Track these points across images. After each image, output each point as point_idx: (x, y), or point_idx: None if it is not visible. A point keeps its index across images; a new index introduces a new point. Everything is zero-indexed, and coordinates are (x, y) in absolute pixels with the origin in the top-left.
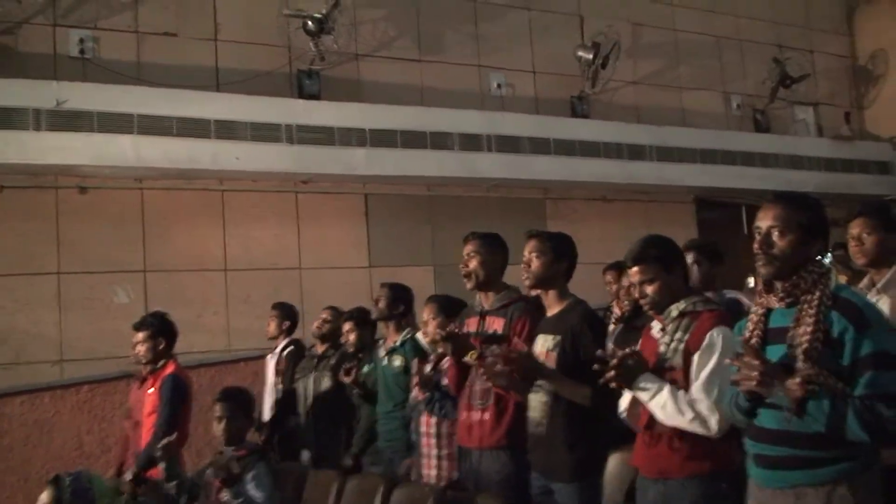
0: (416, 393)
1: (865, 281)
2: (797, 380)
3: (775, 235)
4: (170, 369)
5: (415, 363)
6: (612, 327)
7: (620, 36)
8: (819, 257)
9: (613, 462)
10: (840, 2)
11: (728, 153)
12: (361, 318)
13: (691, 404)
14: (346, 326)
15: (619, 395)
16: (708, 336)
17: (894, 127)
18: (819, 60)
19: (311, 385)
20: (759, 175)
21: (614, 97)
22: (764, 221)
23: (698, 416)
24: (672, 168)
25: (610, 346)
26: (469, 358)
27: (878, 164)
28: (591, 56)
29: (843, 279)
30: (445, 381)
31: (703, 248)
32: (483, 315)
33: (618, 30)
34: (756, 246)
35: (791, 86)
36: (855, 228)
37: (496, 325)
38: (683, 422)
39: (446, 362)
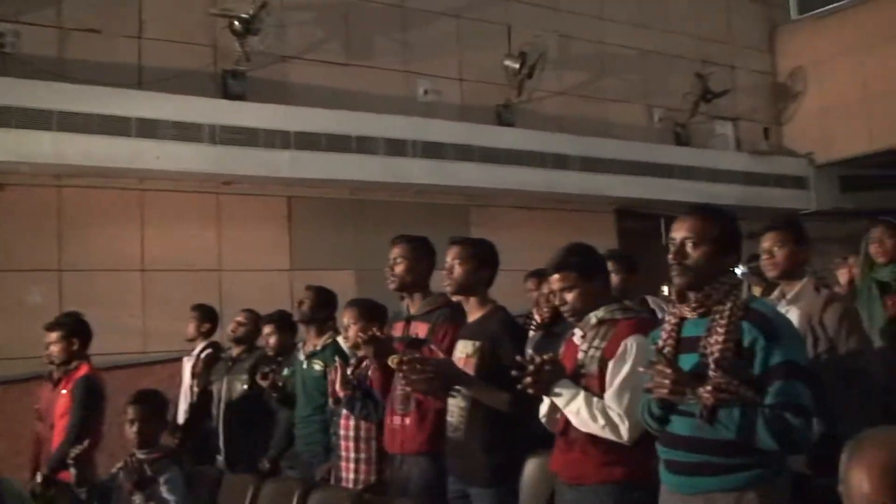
0: (335, 395)
1: (776, 293)
2: (708, 388)
3: (689, 247)
4: (83, 371)
5: (331, 370)
6: (532, 333)
7: (548, 47)
8: (732, 269)
9: (531, 467)
10: (762, 20)
11: (649, 165)
12: (283, 322)
13: (603, 411)
14: (267, 329)
15: (538, 401)
16: (623, 344)
17: (811, 143)
18: (740, 76)
19: (225, 388)
20: (678, 187)
21: (540, 107)
22: (679, 233)
23: (609, 423)
24: (595, 178)
25: (529, 352)
26: (391, 362)
27: (794, 179)
28: (517, 66)
29: (757, 290)
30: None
31: (619, 258)
32: (409, 320)
33: (545, 40)
34: (671, 256)
35: (712, 100)
36: (766, 242)
37: (421, 330)
38: (596, 428)
39: (366, 366)
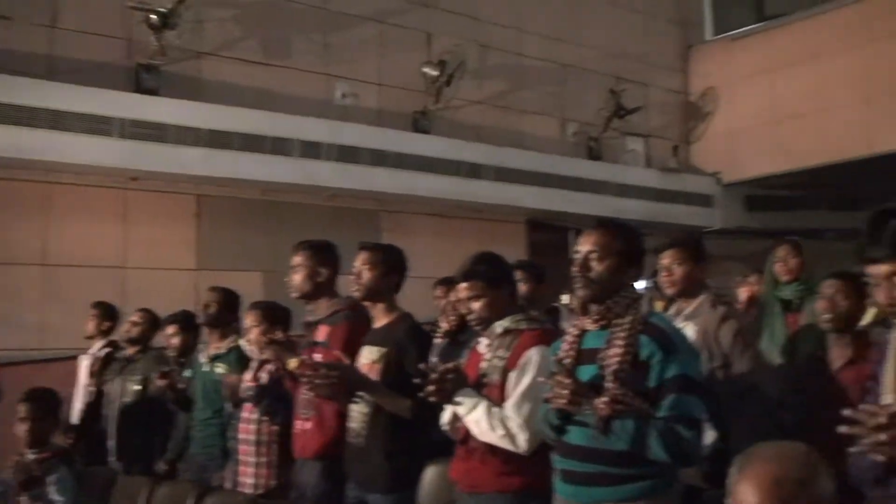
0: (235, 399)
1: (673, 309)
2: (605, 399)
3: (594, 260)
4: None
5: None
6: (437, 341)
7: (467, 56)
8: (633, 283)
9: (431, 475)
10: (677, 40)
11: (561, 178)
12: (186, 322)
13: (503, 421)
14: (170, 330)
15: (440, 409)
16: (525, 354)
17: (719, 162)
18: (653, 94)
19: (118, 389)
20: (589, 201)
21: (457, 115)
22: (584, 246)
23: (508, 433)
24: (507, 189)
25: (432, 360)
26: (290, 366)
27: (702, 197)
28: (436, 73)
29: (659, 305)
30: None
31: (528, 267)
32: (314, 324)
33: (465, 49)
34: (575, 268)
35: (625, 117)
36: (666, 259)
37: (322, 333)
38: (495, 437)
39: (265, 371)
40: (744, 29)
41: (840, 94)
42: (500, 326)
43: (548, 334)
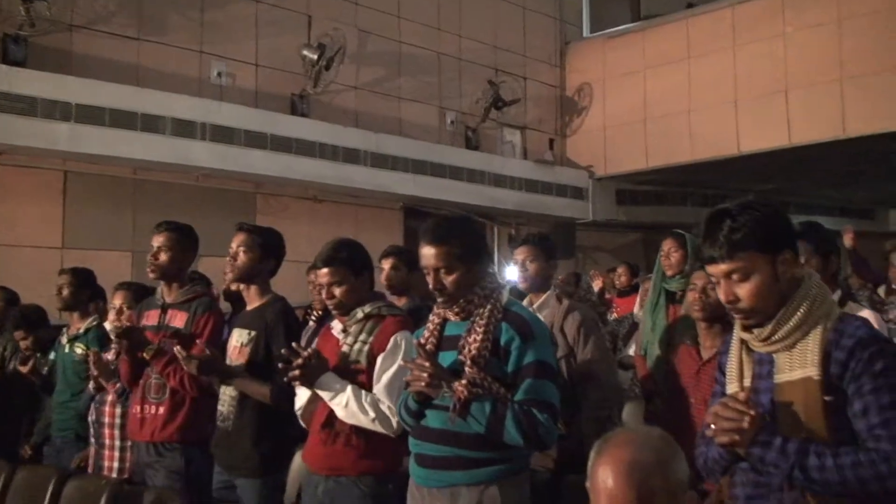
0: (97, 381)
1: (524, 302)
2: (463, 382)
3: (443, 276)
4: None
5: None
6: (312, 325)
7: (346, 40)
8: (491, 272)
9: (299, 459)
10: (555, 35)
11: (438, 166)
12: (32, 321)
13: (374, 404)
14: (18, 335)
15: None
16: (392, 339)
17: (592, 156)
18: (531, 87)
19: None
20: (465, 189)
21: (335, 99)
22: (429, 262)
23: (380, 416)
24: (385, 174)
25: (293, 344)
26: (146, 354)
27: (575, 189)
28: (315, 56)
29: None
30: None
31: (402, 254)
32: (165, 308)
33: (344, 34)
34: (432, 286)
35: (503, 108)
36: (520, 255)
37: (178, 319)
38: (366, 421)
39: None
40: (619, 28)
41: (708, 95)
42: (361, 312)
43: (407, 321)
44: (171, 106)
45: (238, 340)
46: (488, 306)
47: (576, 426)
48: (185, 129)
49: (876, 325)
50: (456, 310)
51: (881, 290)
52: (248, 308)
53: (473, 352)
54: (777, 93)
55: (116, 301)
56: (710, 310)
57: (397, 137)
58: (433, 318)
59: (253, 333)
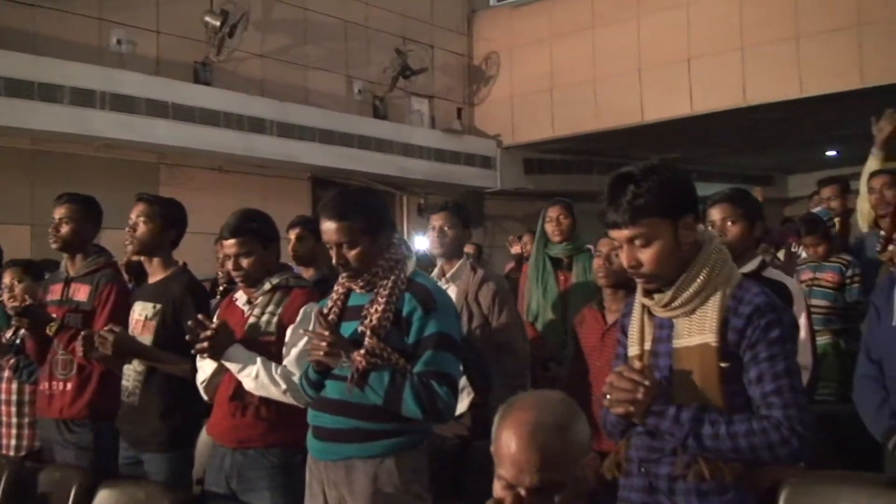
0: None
1: (437, 270)
2: (361, 352)
3: (346, 250)
4: None
5: None
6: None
7: (250, 7)
8: (394, 243)
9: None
10: (462, 3)
11: (346, 135)
12: None
13: (285, 376)
14: None
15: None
16: (302, 311)
17: (500, 125)
18: (438, 56)
19: None
20: (374, 159)
21: (239, 68)
22: (331, 237)
23: (291, 387)
24: (292, 144)
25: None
26: (49, 330)
27: (483, 159)
28: (218, 23)
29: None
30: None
31: (308, 223)
32: (68, 281)
33: (248, 0)
34: (335, 262)
35: (410, 77)
36: (438, 221)
37: (81, 292)
38: (276, 392)
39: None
40: None
41: (613, 64)
42: (268, 283)
43: (315, 292)
44: (70, 74)
45: (141, 314)
46: (392, 277)
47: (491, 395)
48: (84, 98)
49: (794, 291)
50: (361, 283)
51: (780, 254)
52: (151, 280)
53: (374, 322)
54: (680, 62)
55: (7, 278)
56: (614, 276)
57: (304, 106)
58: (337, 288)
59: (158, 306)
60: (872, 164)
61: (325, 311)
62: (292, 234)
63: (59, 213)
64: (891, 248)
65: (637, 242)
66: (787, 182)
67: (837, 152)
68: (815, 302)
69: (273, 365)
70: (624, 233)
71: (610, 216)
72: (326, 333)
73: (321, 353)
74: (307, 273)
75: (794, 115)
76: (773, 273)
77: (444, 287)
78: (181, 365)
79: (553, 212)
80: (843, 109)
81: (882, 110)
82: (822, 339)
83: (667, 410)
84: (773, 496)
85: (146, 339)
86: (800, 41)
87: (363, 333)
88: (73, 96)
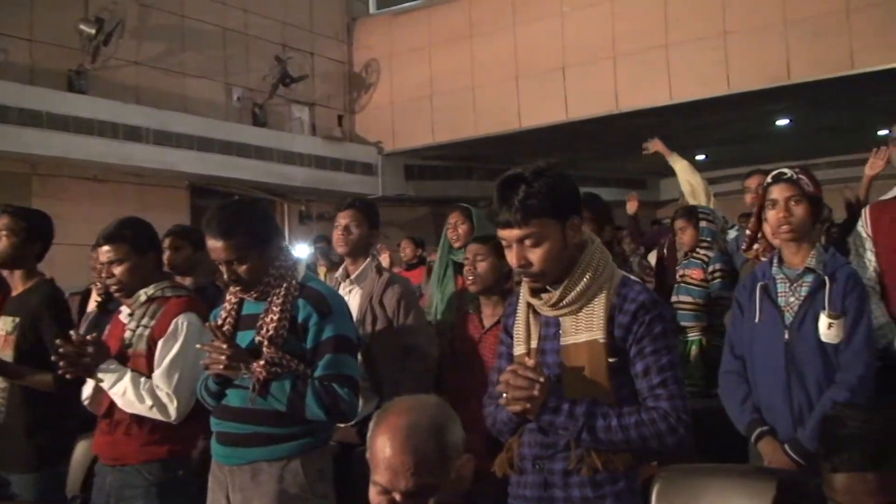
0: None
1: (340, 271)
2: (261, 362)
3: (235, 267)
4: None
5: None
6: (93, 309)
7: (126, 14)
8: (284, 252)
9: (81, 449)
10: (342, 11)
11: (225, 143)
12: None
13: (151, 391)
14: None
15: (84, 381)
16: (173, 323)
17: (380, 132)
18: (319, 64)
19: None
20: (254, 167)
21: (115, 76)
22: (220, 256)
23: (157, 403)
24: (169, 153)
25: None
26: None
27: (364, 165)
28: (93, 31)
29: (322, 270)
30: None
31: (183, 232)
32: None
33: (124, 7)
34: (226, 278)
35: (290, 84)
36: (344, 218)
37: None
38: (143, 409)
39: None
40: (406, 5)
41: (491, 72)
42: (144, 294)
43: (194, 302)
44: None
45: (3, 329)
46: (284, 285)
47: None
48: None
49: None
50: (254, 294)
51: (651, 257)
52: (14, 294)
53: (271, 331)
54: (555, 70)
55: None
56: (479, 281)
57: (182, 114)
58: (230, 298)
59: (17, 320)
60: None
61: (220, 321)
62: (167, 244)
63: None
64: (755, 246)
65: (527, 242)
66: (660, 185)
67: (706, 156)
68: (682, 298)
69: (142, 380)
70: (515, 232)
71: (502, 216)
72: (224, 346)
73: (220, 366)
74: (186, 282)
75: (665, 121)
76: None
77: (347, 289)
78: (44, 379)
79: (452, 218)
80: (710, 115)
81: (748, 115)
82: (692, 336)
83: (562, 405)
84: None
85: (7, 354)
86: (669, 49)
87: (260, 343)
88: None
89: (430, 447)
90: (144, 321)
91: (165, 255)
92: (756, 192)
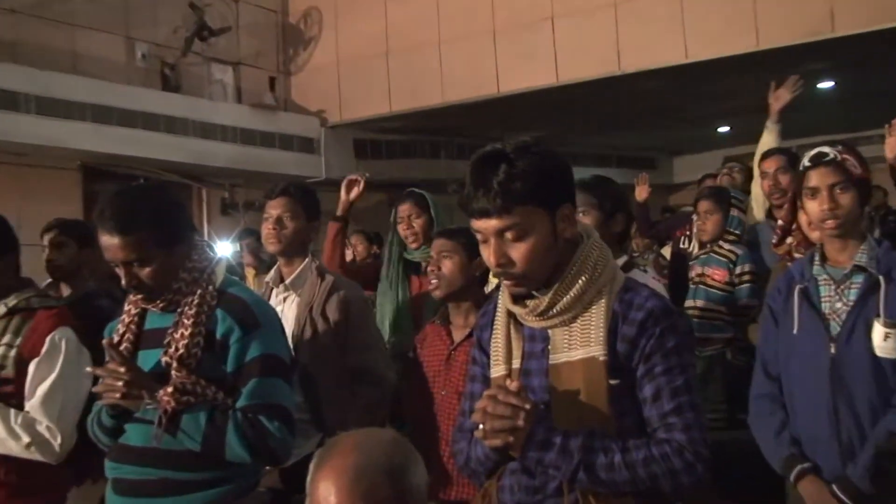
0: None
1: (272, 274)
2: (169, 389)
3: (137, 269)
4: None
5: None
6: None
7: None
8: (196, 254)
9: None
10: None
11: (127, 113)
12: None
13: (28, 426)
14: None
15: None
16: (48, 340)
17: (324, 100)
18: (245, 13)
19: None
20: (163, 142)
21: None
22: (117, 256)
23: (37, 440)
24: (56, 125)
25: None
26: None
27: (303, 141)
28: None
29: (250, 273)
30: None
31: (67, 226)
32: None
33: None
34: (125, 284)
35: (209, 39)
36: (276, 209)
37: None
38: (17, 448)
39: None
40: None
41: (462, 24)
42: (3, 305)
43: (67, 314)
44: None
45: None
46: (199, 291)
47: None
48: None
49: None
50: (160, 304)
51: (666, 251)
52: None
53: (181, 350)
54: (542, 21)
55: None
56: (445, 284)
57: (71, 76)
58: (129, 309)
59: None
60: (768, 139)
61: (116, 338)
62: (47, 240)
63: None
64: (789, 240)
65: (509, 235)
66: (673, 165)
67: (730, 128)
68: (699, 304)
69: (13, 413)
70: (493, 222)
71: (477, 202)
72: (122, 370)
73: (117, 394)
74: (66, 290)
75: (679, 86)
76: (637, 275)
77: (282, 296)
78: None
79: (403, 210)
80: (735, 77)
81: (781, 77)
82: (710, 350)
83: (553, 439)
84: None
85: None
86: None
87: (168, 365)
88: None
89: (386, 493)
90: (7, 339)
91: (45, 255)
92: (775, 179)
